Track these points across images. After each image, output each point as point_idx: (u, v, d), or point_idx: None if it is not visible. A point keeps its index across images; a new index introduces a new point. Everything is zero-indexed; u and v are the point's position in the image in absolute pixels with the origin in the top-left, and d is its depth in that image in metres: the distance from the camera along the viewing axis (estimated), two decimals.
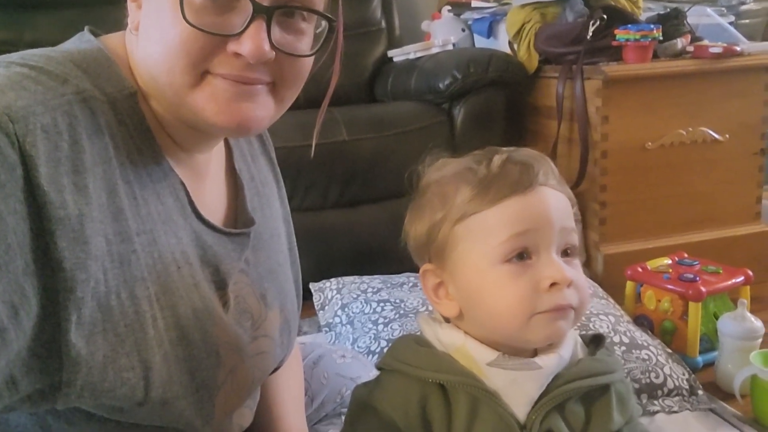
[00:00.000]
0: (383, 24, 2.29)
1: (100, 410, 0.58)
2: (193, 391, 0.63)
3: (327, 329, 1.48)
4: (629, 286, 1.47)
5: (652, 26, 1.62)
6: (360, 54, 2.19)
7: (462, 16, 2.26)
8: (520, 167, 0.64)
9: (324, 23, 0.63)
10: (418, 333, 0.71)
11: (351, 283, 1.57)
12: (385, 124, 1.74)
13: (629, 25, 1.63)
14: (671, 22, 1.71)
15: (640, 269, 1.45)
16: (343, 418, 1.03)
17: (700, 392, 1.20)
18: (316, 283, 1.62)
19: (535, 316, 0.62)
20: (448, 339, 0.66)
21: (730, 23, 2.11)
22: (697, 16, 2.00)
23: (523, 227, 0.62)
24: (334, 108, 1.75)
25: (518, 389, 0.63)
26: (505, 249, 0.62)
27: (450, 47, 2.05)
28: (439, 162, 0.69)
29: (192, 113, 0.60)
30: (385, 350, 1.36)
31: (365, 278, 1.58)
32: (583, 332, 0.73)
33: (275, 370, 0.83)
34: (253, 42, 0.57)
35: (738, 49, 1.65)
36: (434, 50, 2.00)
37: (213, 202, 0.72)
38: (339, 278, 1.61)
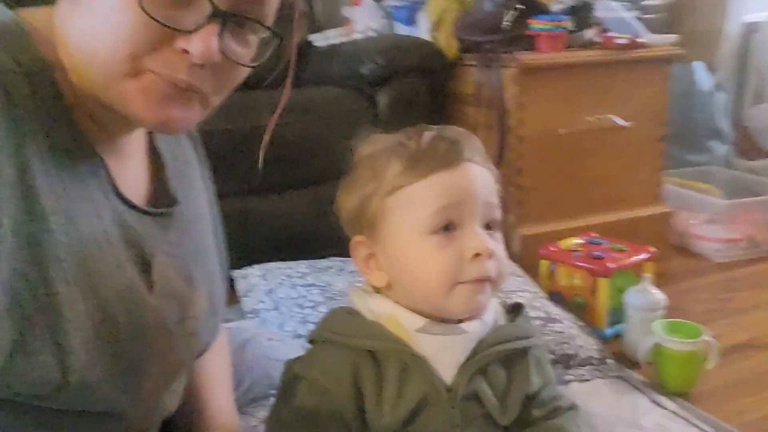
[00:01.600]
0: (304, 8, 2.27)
1: (18, 397, 0.56)
2: (119, 373, 0.62)
3: (252, 315, 1.47)
4: (543, 264, 1.54)
5: (563, 17, 1.69)
6: None
7: (383, 3, 2.28)
8: (448, 143, 0.68)
9: (268, 35, 0.63)
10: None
11: (276, 269, 1.56)
12: (308, 108, 1.74)
13: (543, 16, 1.70)
14: (581, 14, 1.80)
15: (553, 248, 1.53)
16: (272, 400, 1.04)
17: (609, 361, 1.28)
18: (239, 270, 1.60)
19: (457, 286, 0.66)
20: (378, 308, 0.69)
21: (634, 17, 2.23)
22: (603, 11, 2.10)
23: (449, 200, 0.66)
24: (255, 91, 1.73)
25: (446, 353, 0.67)
26: (433, 221, 0.66)
27: (371, 33, 2.06)
28: (371, 137, 0.72)
29: (119, 101, 0.59)
30: None
31: (291, 264, 1.58)
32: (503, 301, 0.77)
33: (201, 354, 0.82)
34: (204, 43, 0.56)
35: (641, 40, 1.76)
36: (355, 36, 2.02)
37: (134, 182, 0.70)
38: (263, 264, 1.60)
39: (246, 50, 0.62)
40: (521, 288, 1.37)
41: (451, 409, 0.66)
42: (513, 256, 1.73)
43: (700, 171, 2.31)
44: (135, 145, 0.71)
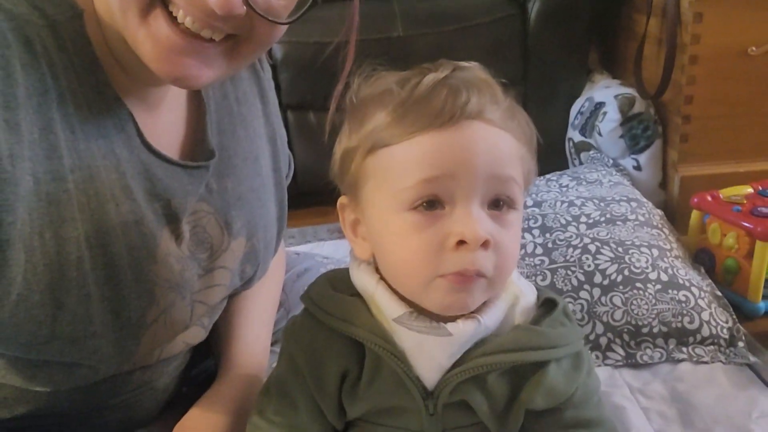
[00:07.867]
0: None
1: (3, 347, 0.59)
2: (116, 329, 0.62)
3: None
4: (695, 215, 1.29)
5: None
6: None
7: None
8: (447, 92, 0.53)
9: None
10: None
11: None
12: (446, 17, 1.60)
13: None
14: None
15: (709, 198, 1.27)
16: None
17: (741, 344, 1.06)
18: None
19: (436, 279, 0.53)
20: (361, 282, 0.60)
21: None
22: None
23: (434, 172, 0.52)
24: None
25: (425, 354, 0.57)
26: (412, 195, 0.53)
27: None
28: (375, 76, 0.60)
29: (134, 45, 0.56)
30: None
31: None
32: (540, 288, 0.63)
33: (238, 292, 0.81)
34: None
35: None
36: None
37: (169, 132, 0.69)
38: None
39: (282, 1, 0.57)
40: (648, 243, 1.16)
41: (430, 416, 0.58)
42: (670, 201, 1.50)
43: None
44: (173, 93, 0.69)
